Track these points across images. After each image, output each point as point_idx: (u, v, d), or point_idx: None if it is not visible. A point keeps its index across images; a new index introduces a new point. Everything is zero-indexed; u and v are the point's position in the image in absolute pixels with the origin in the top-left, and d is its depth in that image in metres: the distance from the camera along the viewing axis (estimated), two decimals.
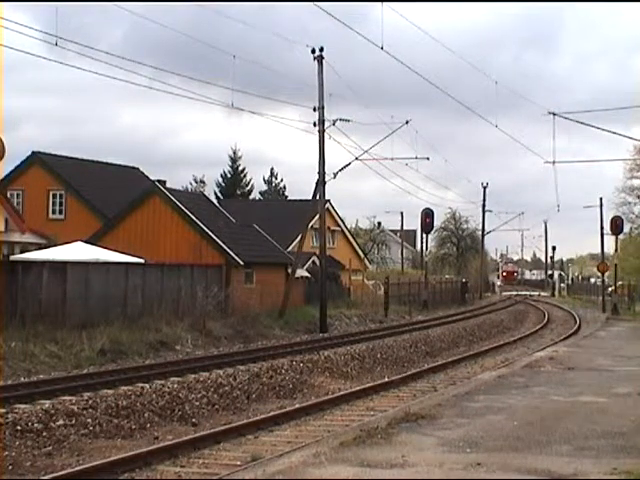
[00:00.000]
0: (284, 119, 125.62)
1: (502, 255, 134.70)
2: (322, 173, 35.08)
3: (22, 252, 30.66)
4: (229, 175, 76.48)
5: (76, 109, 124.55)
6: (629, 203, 65.30)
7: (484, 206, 79.59)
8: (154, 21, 63.70)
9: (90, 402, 15.05)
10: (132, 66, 56.75)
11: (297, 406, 16.25)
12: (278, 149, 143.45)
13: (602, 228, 54.58)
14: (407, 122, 39.20)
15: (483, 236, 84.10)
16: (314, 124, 34.79)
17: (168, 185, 38.09)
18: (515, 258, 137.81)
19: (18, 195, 42.27)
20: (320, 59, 34.24)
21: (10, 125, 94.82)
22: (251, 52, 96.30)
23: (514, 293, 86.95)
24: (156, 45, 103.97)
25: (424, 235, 57.36)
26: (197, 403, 16.26)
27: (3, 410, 13.95)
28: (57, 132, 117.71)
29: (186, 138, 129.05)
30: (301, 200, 49.22)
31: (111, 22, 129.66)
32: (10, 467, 11.28)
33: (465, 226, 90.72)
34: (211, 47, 67.39)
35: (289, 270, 37.27)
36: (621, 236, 55.09)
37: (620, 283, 56.11)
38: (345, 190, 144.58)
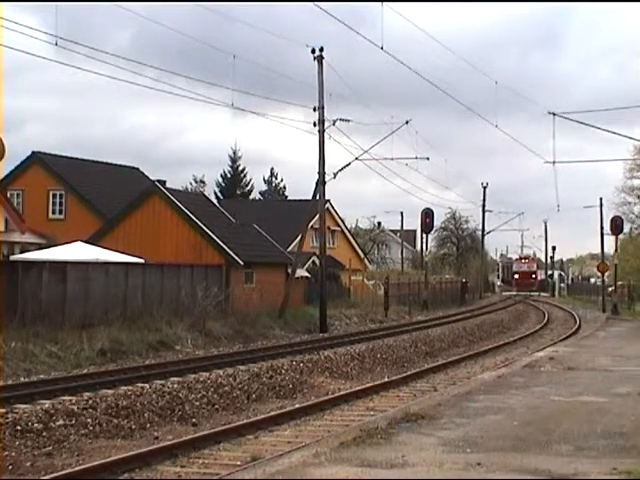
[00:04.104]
0: (284, 119, 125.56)
1: (502, 255, 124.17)
2: (322, 173, 35.11)
3: (22, 252, 30.66)
4: (229, 175, 76.52)
5: (80, 110, 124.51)
6: (629, 203, 65.46)
7: (484, 206, 79.73)
8: (160, 23, 63.77)
9: (90, 402, 15.05)
10: (137, 68, 56.90)
11: (297, 406, 16.24)
12: (280, 149, 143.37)
13: (602, 228, 54.64)
14: (407, 122, 39.34)
15: (483, 236, 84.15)
16: (314, 124, 34.84)
17: (168, 185, 38.11)
18: (514, 258, 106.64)
19: (18, 195, 42.26)
20: (320, 59, 34.29)
21: (15, 126, 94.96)
22: (255, 53, 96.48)
23: (514, 293, 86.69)
24: (162, 47, 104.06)
25: (424, 235, 57.45)
26: (197, 403, 16.26)
27: (3, 410, 13.96)
28: (61, 133, 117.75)
29: (189, 139, 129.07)
30: (301, 200, 49.23)
31: (119, 24, 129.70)
32: (10, 467, 11.28)
33: (465, 226, 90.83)
34: (216, 49, 67.29)
35: (289, 270, 37.28)
36: (621, 236, 55.14)
37: (620, 283, 56.11)
38: (346, 190, 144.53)
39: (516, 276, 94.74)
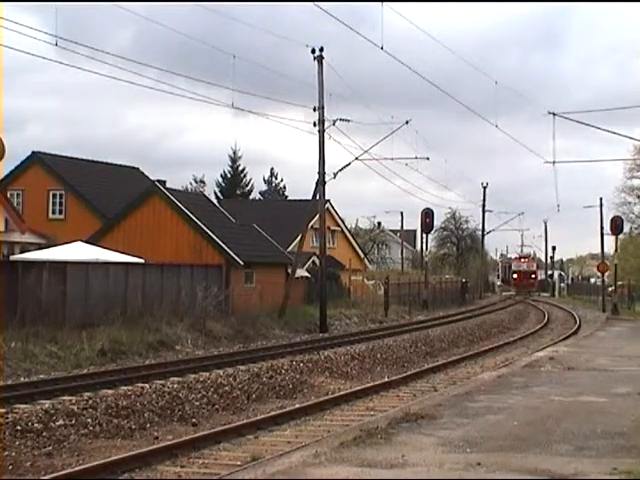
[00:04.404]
0: (284, 119, 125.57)
1: (502, 255, 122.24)
2: (322, 173, 35.12)
3: (22, 252, 30.67)
4: (229, 175, 76.54)
5: (81, 111, 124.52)
6: (629, 203, 65.62)
7: (484, 206, 79.76)
8: (160, 23, 63.76)
9: (90, 402, 15.05)
10: (138, 68, 56.80)
11: (297, 406, 16.25)
12: (280, 149, 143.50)
13: (602, 228, 54.64)
14: (407, 122, 39.38)
15: (483, 236, 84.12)
16: (314, 124, 34.85)
17: (168, 185, 38.13)
18: (512, 257, 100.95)
19: (18, 195, 42.27)
20: (320, 59, 34.29)
21: (15, 126, 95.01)
22: (256, 53, 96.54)
23: (513, 293, 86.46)
24: (163, 47, 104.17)
25: (424, 235, 57.46)
26: (197, 403, 16.26)
27: (3, 410, 13.96)
28: (62, 133, 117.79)
29: (189, 139, 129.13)
30: (301, 200, 49.23)
31: (120, 24, 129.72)
32: (10, 467, 11.28)
33: (465, 226, 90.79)
34: (216, 49, 67.36)
35: (289, 270, 37.28)
36: (621, 236, 55.15)
37: (620, 283, 56.10)
38: (346, 190, 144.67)
39: (515, 276, 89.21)
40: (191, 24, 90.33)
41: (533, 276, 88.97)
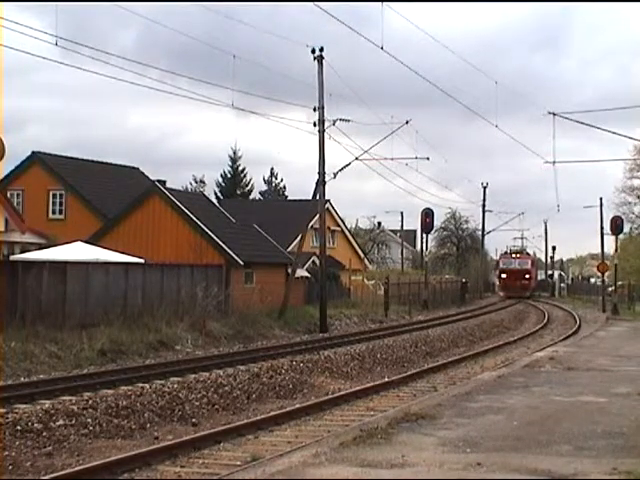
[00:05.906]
0: (284, 119, 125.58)
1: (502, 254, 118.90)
2: (322, 173, 35.11)
3: (22, 252, 30.65)
4: (229, 175, 76.54)
5: (82, 111, 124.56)
6: (629, 203, 65.80)
7: (484, 206, 79.64)
8: (161, 24, 63.85)
9: (90, 402, 15.05)
10: (140, 69, 56.93)
11: (297, 406, 16.24)
12: (280, 149, 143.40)
13: (602, 228, 54.64)
14: (407, 122, 39.37)
15: (483, 236, 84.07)
16: (314, 124, 34.85)
17: (168, 185, 38.13)
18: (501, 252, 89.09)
19: (18, 195, 42.26)
20: (320, 59, 34.28)
21: (16, 126, 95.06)
22: (257, 54, 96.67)
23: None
24: (165, 48, 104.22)
25: (424, 235, 57.50)
26: (197, 403, 16.26)
27: (3, 410, 13.96)
28: (62, 134, 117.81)
29: (189, 139, 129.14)
30: (301, 200, 49.25)
31: (122, 25, 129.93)
32: (10, 467, 11.28)
33: (465, 226, 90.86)
34: (218, 49, 67.42)
35: (289, 270, 37.28)
36: (621, 236, 55.17)
37: (620, 283, 56.11)
38: (347, 190, 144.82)
39: (504, 275, 74.38)
40: (192, 25, 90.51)
41: (527, 276, 74.38)
